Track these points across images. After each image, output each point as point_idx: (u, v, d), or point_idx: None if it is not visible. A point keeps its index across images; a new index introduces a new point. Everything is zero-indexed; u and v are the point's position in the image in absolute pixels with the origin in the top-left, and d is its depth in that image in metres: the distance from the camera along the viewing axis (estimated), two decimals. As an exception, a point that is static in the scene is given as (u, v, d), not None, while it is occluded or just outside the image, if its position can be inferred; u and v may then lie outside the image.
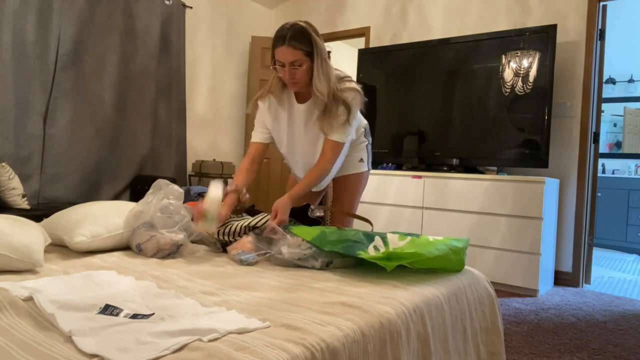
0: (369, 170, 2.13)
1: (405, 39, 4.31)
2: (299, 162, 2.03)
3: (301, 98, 1.91)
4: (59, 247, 1.63)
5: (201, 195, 2.25)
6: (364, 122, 2.13)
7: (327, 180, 2.07)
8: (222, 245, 1.68)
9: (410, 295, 1.21)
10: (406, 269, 1.49)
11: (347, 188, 2.07)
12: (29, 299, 1.02)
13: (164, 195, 1.61)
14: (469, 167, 3.61)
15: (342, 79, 1.85)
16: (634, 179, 5.16)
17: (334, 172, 2.01)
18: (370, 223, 1.84)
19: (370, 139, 2.14)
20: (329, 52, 1.93)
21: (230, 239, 1.63)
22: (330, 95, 1.78)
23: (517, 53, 3.39)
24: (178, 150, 4.28)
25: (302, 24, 1.73)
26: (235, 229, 1.64)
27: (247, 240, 1.56)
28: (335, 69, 1.86)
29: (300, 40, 1.70)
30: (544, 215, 3.07)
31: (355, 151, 2.08)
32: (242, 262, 1.47)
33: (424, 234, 3.52)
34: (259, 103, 1.99)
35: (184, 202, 1.85)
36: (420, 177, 3.55)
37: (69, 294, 1.06)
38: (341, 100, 1.80)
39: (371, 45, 4.50)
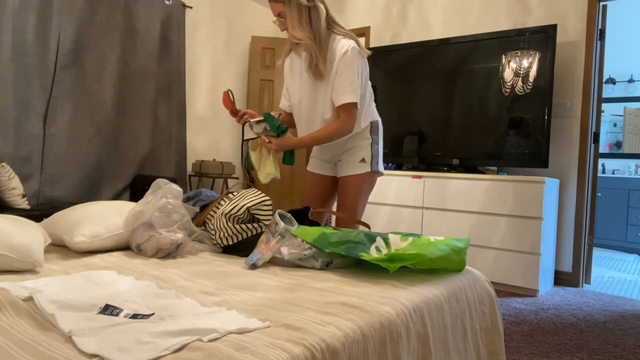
0: (375, 171, 2.03)
1: (405, 39, 4.31)
2: (302, 117, 2.04)
3: (301, 51, 2.00)
4: (59, 247, 1.64)
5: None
6: (375, 117, 2.06)
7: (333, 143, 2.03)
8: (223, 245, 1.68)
9: (410, 295, 1.21)
10: (406, 268, 1.49)
11: (348, 190, 2.03)
12: (29, 299, 1.02)
13: (162, 195, 1.61)
14: (469, 167, 3.61)
15: (339, 34, 1.91)
16: (634, 179, 5.16)
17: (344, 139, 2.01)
18: (368, 227, 1.83)
19: (377, 137, 2.05)
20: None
21: (228, 242, 1.62)
22: (317, 40, 1.86)
23: (517, 53, 3.39)
24: (178, 150, 4.28)
25: None
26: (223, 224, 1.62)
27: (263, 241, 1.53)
28: (339, 29, 1.94)
29: None
30: (544, 215, 3.07)
31: (357, 149, 2.02)
32: (253, 267, 1.45)
33: (424, 234, 3.52)
34: (284, 63, 2.09)
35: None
36: (420, 177, 3.55)
37: (69, 294, 1.05)
38: (329, 51, 1.90)
39: (371, 45, 4.50)
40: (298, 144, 1.90)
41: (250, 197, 1.63)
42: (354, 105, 1.87)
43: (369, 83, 2.00)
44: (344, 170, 2.05)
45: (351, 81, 1.85)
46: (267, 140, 1.89)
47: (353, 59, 1.86)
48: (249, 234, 1.61)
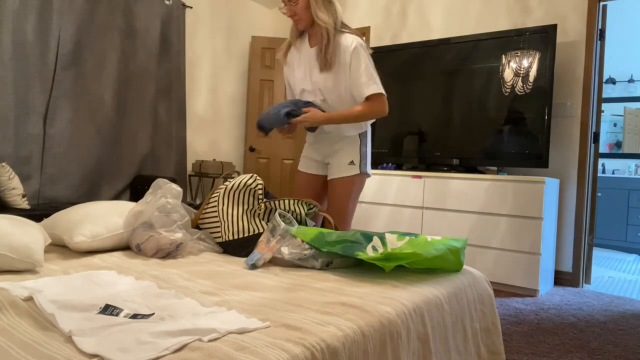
0: (364, 173, 2.04)
1: (405, 39, 4.31)
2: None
3: (313, 42, 2.02)
4: (59, 247, 1.63)
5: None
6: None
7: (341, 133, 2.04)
8: (223, 244, 1.68)
9: (410, 295, 1.21)
10: (406, 268, 1.49)
11: (336, 192, 2.03)
12: (29, 299, 1.02)
13: (162, 195, 1.61)
14: (469, 167, 3.61)
15: (346, 31, 1.95)
16: (634, 179, 5.16)
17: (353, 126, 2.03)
18: (336, 228, 1.84)
19: (365, 140, 2.07)
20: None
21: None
22: (333, 29, 1.91)
23: (517, 53, 3.39)
24: (178, 150, 4.28)
25: None
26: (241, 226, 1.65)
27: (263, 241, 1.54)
28: (347, 27, 1.99)
29: None
30: (544, 215, 3.07)
31: (345, 152, 2.03)
32: (253, 267, 1.45)
33: (424, 234, 3.52)
34: (285, 57, 2.12)
35: None
36: (420, 177, 3.55)
37: (69, 294, 1.06)
38: (338, 43, 1.93)
39: (371, 45, 4.50)
40: (327, 119, 1.92)
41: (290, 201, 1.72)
42: (381, 95, 1.92)
43: None
44: (333, 172, 2.05)
45: (370, 73, 1.91)
46: (299, 118, 1.91)
47: (365, 53, 1.92)
48: (255, 231, 1.62)
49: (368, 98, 1.92)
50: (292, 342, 0.85)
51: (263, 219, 1.69)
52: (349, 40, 1.92)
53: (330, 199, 2.06)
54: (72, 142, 3.52)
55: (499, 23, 3.82)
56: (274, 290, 1.20)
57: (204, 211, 1.73)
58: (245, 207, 1.68)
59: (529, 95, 3.34)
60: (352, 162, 2.02)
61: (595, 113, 3.47)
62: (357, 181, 2.03)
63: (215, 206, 1.69)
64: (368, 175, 2.09)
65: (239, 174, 1.92)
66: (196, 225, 1.79)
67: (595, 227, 5.35)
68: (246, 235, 1.62)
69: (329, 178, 2.09)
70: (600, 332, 2.42)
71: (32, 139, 3.32)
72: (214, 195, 1.73)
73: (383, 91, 1.93)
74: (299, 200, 1.74)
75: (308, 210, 1.76)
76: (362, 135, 2.06)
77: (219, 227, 1.67)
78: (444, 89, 3.72)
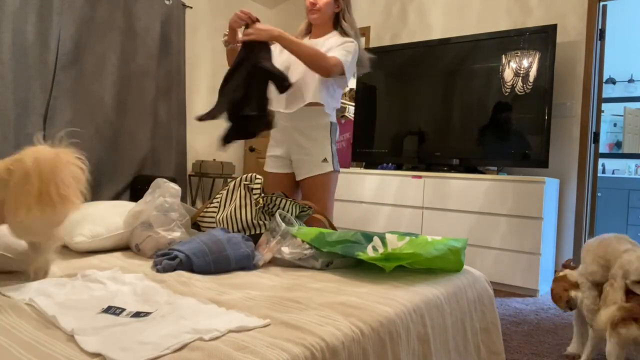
0: (337, 171, 2.05)
1: (405, 39, 4.31)
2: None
3: (314, 35, 2.08)
4: (59, 247, 1.63)
5: None
6: (334, 119, 2.09)
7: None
8: None
9: (410, 295, 1.21)
10: (406, 269, 1.49)
11: (316, 190, 2.01)
12: (30, 301, 1.02)
13: (160, 194, 1.61)
14: (469, 167, 3.61)
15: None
16: (634, 179, 5.16)
17: (307, 92, 1.98)
18: (335, 228, 1.83)
19: (335, 138, 2.09)
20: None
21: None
22: (341, 35, 2.00)
23: (517, 53, 3.40)
24: (178, 150, 4.28)
25: None
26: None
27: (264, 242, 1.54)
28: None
29: None
30: (544, 215, 3.07)
31: (314, 149, 2.02)
32: (253, 267, 1.45)
33: (424, 234, 3.52)
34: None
35: None
36: (420, 177, 3.55)
37: (70, 294, 1.06)
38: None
39: (371, 45, 4.50)
40: (280, 35, 1.84)
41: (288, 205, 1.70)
42: (340, 63, 1.89)
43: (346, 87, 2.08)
44: (305, 171, 2.03)
45: (347, 52, 1.92)
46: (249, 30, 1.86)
47: (354, 47, 1.95)
48: (257, 230, 1.62)
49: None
50: (292, 342, 0.85)
51: (260, 212, 1.68)
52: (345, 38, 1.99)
53: (308, 199, 2.02)
54: (72, 142, 3.52)
55: (499, 23, 3.82)
56: (274, 290, 1.20)
57: (205, 210, 1.74)
58: (245, 210, 1.68)
59: (529, 95, 3.34)
60: (325, 160, 2.01)
61: (595, 113, 3.47)
62: (333, 178, 2.03)
63: (217, 207, 1.70)
64: (339, 172, 2.11)
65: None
66: (194, 223, 1.79)
67: (595, 227, 5.35)
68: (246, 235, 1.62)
69: (300, 177, 2.05)
70: (600, 332, 2.42)
71: (32, 139, 3.32)
72: (217, 197, 1.74)
73: (344, 60, 1.90)
74: (293, 202, 1.72)
75: (300, 212, 1.74)
76: (333, 133, 2.06)
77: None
78: (444, 89, 3.72)
